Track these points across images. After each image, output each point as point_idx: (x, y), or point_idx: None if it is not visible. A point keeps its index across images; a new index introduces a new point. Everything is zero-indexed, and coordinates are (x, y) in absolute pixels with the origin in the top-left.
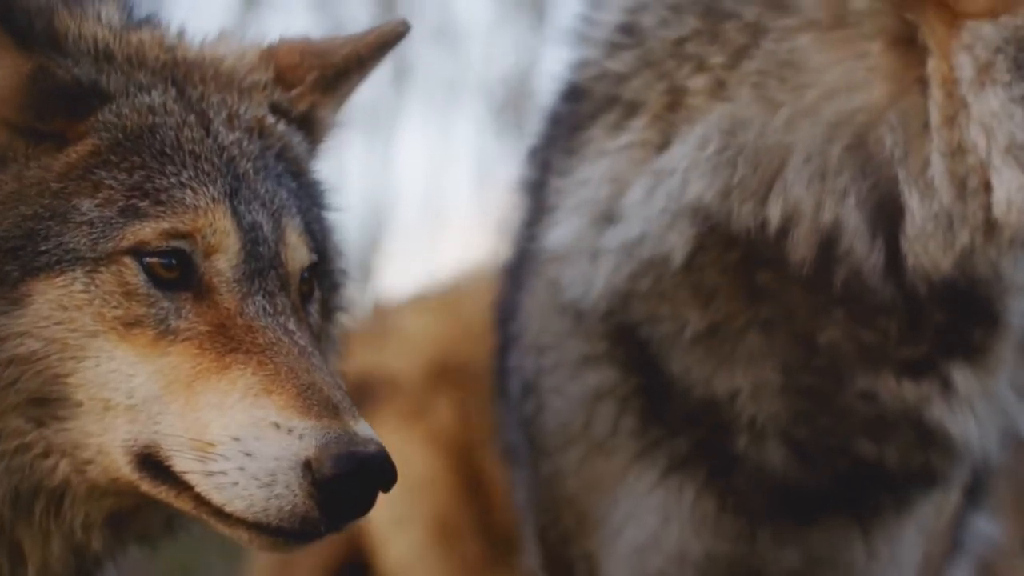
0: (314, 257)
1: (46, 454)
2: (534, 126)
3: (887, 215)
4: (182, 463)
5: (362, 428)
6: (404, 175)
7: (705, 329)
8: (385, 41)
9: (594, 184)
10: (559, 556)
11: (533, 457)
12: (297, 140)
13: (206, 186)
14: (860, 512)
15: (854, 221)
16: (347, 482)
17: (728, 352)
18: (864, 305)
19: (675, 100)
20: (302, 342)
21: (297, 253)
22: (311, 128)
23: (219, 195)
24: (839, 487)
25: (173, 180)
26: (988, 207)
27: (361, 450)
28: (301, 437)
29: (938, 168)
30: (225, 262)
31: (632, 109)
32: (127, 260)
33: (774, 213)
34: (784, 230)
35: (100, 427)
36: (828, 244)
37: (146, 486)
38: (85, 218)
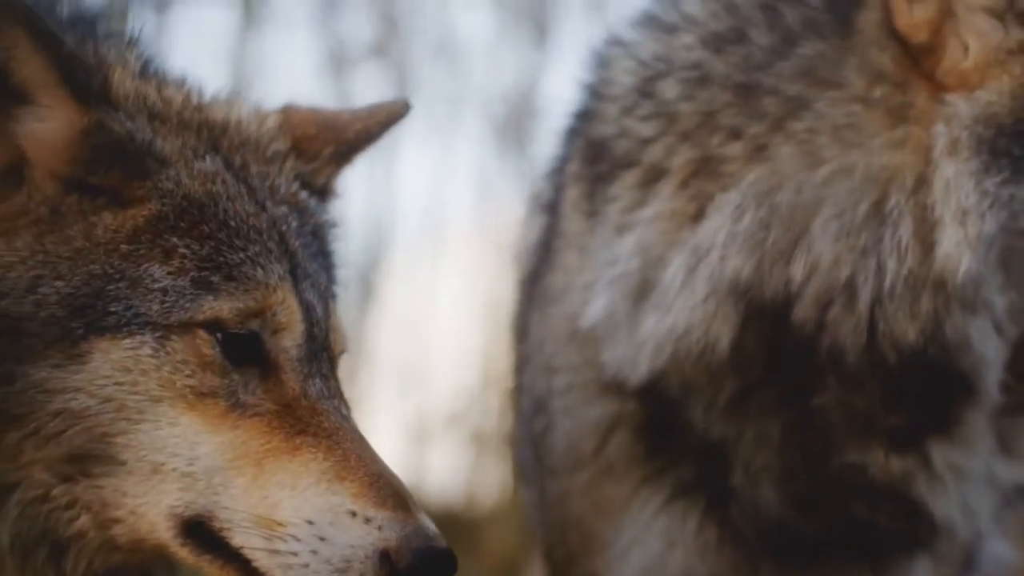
0: (348, 346)
1: (68, 507)
2: (541, 148)
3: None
4: (242, 538)
5: (428, 522)
6: (405, 191)
7: (736, 393)
8: (392, 120)
9: (625, 257)
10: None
11: (541, 475)
12: (325, 217)
13: (273, 263)
14: (867, 555)
15: (870, 286)
16: (422, 574)
17: (745, 407)
18: (849, 372)
19: (705, 168)
20: (357, 427)
21: (340, 338)
22: (325, 200)
23: (284, 272)
24: (839, 535)
25: (242, 256)
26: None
27: (436, 545)
28: (380, 528)
29: (906, 229)
30: (291, 341)
31: (655, 174)
32: (202, 333)
33: (797, 270)
34: (802, 286)
35: (141, 489)
36: (826, 306)
37: (186, 552)
38: (158, 285)
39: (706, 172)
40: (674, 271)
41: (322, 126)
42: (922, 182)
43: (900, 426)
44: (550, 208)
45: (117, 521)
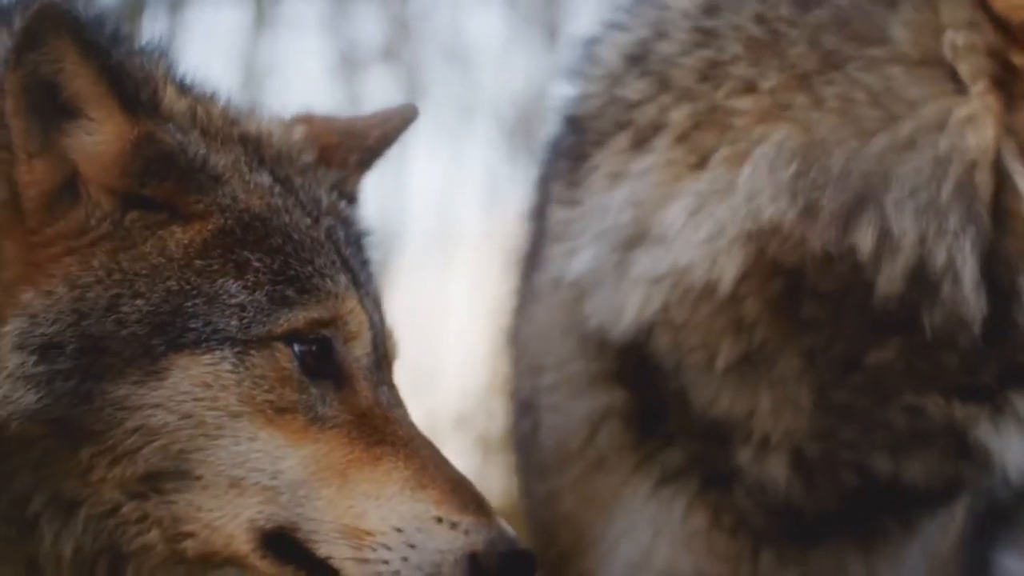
0: (400, 353)
1: (138, 522)
2: (539, 154)
3: (997, 262)
4: (329, 548)
5: (507, 526)
6: (415, 195)
7: (738, 359)
8: (406, 124)
9: (615, 210)
10: None
11: (528, 476)
12: (362, 226)
13: (339, 274)
14: (863, 534)
15: (969, 266)
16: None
17: (758, 377)
18: (960, 342)
19: (709, 119)
20: (425, 434)
21: (395, 346)
22: (355, 208)
23: (349, 282)
24: (839, 508)
25: (310, 268)
26: None
27: (519, 548)
28: (467, 532)
29: None
30: (361, 349)
31: (649, 131)
32: (281, 346)
33: (865, 240)
34: (877, 258)
35: (217, 503)
36: (928, 283)
37: (266, 564)
38: (235, 300)
39: (709, 124)
40: (675, 214)
41: (343, 134)
42: None
43: (976, 384)
44: (538, 215)
45: (189, 535)
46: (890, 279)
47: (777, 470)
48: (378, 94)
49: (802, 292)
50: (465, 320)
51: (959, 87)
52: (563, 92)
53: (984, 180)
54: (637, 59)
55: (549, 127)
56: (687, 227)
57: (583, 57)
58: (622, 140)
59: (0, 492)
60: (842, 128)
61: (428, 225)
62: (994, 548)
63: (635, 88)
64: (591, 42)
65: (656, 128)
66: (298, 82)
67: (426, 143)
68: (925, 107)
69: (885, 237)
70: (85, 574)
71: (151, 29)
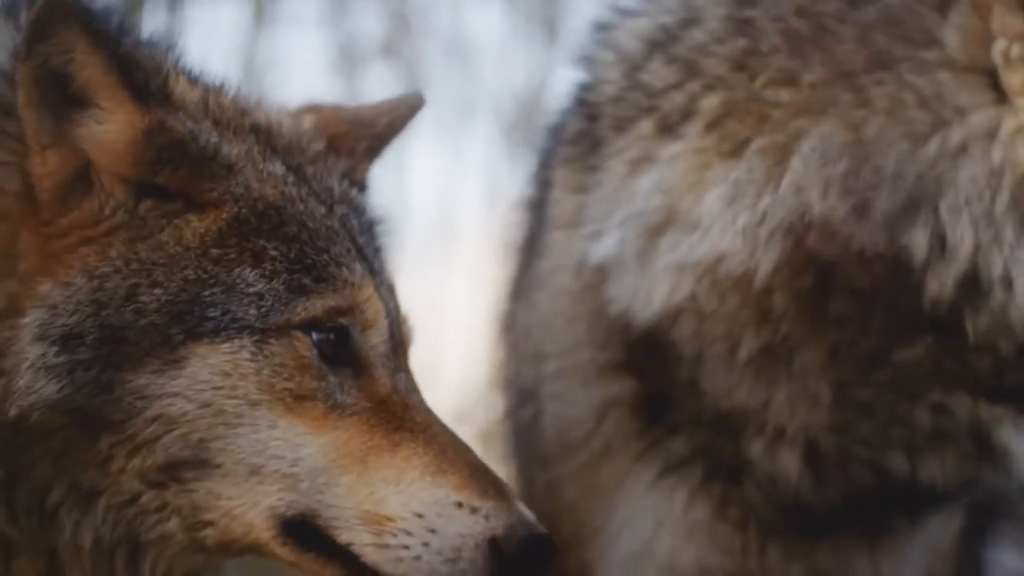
0: (415, 339)
1: (157, 511)
2: (538, 143)
3: None
4: (350, 535)
5: (527, 510)
6: (415, 192)
7: (759, 350)
8: (413, 112)
9: (642, 195)
10: (556, 568)
11: (528, 465)
12: (375, 214)
13: (354, 262)
14: (870, 529)
15: None
16: (528, 560)
17: (778, 369)
18: (981, 348)
19: (743, 108)
20: (442, 420)
21: (411, 332)
22: (365, 195)
23: (364, 271)
24: (849, 504)
25: (326, 257)
26: None
27: (538, 532)
28: (487, 517)
29: None
30: (377, 337)
31: (677, 117)
32: (299, 335)
33: (919, 244)
34: (928, 262)
35: (236, 491)
36: (978, 290)
37: (286, 551)
38: (253, 289)
39: (744, 113)
40: (711, 201)
41: (351, 123)
42: None
43: (1003, 385)
44: (536, 206)
45: (209, 524)
46: (942, 284)
47: (789, 464)
48: (378, 90)
49: (834, 287)
50: (465, 316)
51: (1000, 96)
52: (571, 78)
53: None
54: (660, 45)
55: (550, 117)
56: (724, 215)
57: (595, 43)
58: (645, 126)
59: (20, 482)
60: (891, 129)
61: (428, 221)
62: (989, 542)
63: (660, 75)
64: (602, 28)
65: (685, 115)
66: (298, 78)
67: (426, 139)
68: (974, 115)
69: (940, 242)
70: (104, 564)
71: (151, 25)
